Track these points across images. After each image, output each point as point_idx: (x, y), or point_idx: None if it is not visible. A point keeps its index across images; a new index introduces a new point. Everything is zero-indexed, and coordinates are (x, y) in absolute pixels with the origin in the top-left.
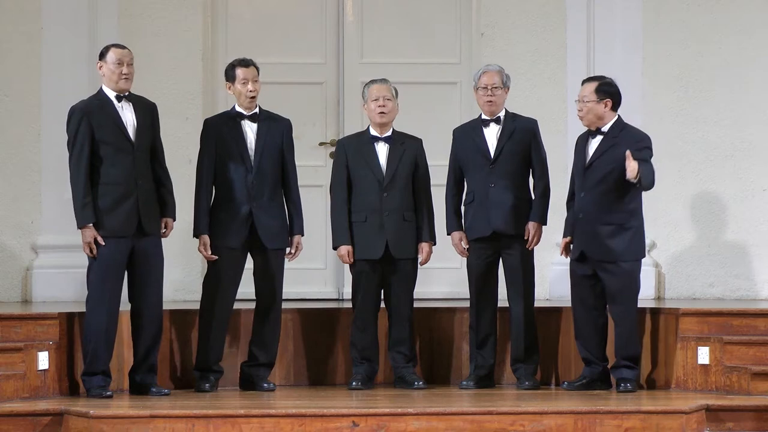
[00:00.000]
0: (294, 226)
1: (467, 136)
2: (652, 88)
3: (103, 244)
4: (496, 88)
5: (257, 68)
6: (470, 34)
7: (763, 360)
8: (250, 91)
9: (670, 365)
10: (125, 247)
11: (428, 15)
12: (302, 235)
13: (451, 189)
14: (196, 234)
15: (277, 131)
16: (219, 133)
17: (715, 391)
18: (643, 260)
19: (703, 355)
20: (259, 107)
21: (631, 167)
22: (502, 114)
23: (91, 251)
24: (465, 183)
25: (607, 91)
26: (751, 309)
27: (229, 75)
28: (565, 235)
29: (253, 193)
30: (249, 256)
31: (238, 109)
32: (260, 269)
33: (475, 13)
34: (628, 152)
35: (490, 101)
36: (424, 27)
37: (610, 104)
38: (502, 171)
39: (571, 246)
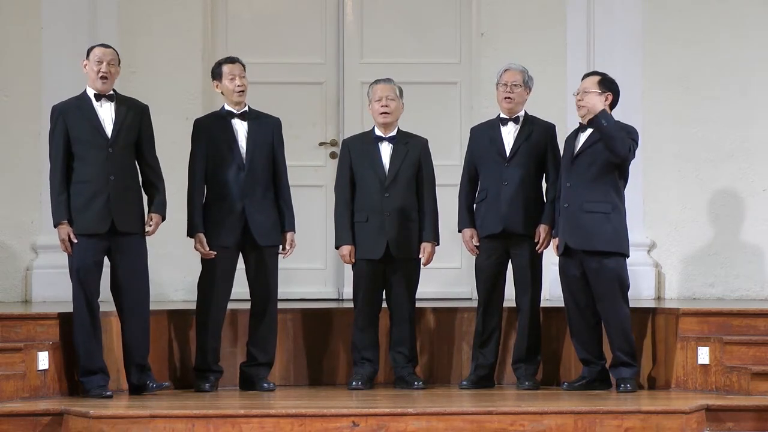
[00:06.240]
0: (285, 223)
1: (484, 133)
2: (652, 88)
3: (76, 241)
4: (516, 86)
5: (243, 65)
6: (470, 34)
7: (763, 360)
8: (238, 86)
9: (670, 365)
10: (99, 246)
11: (428, 15)
12: (294, 232)
13: (465, 186)
14: (191, 233)
15: (267, 129)
16: (210, 132)
17: (715, 391)
18: (642, 260)
19: (703, 355)
20: (249, 106)
21: (590, 98)
22: (521, 114)
23: (66, 249)
24: (478, 181)
25: (610, 86)
26: (751, 309)
27: (216, 73)
28: (555, 235)
29: (246, 191)
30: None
31: (227, 107)
32: (254, 268)
33: (475, 13)
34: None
35: (509, 98)
36: (424, 27)
37: (610, 99)
38: (516, 170)
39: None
